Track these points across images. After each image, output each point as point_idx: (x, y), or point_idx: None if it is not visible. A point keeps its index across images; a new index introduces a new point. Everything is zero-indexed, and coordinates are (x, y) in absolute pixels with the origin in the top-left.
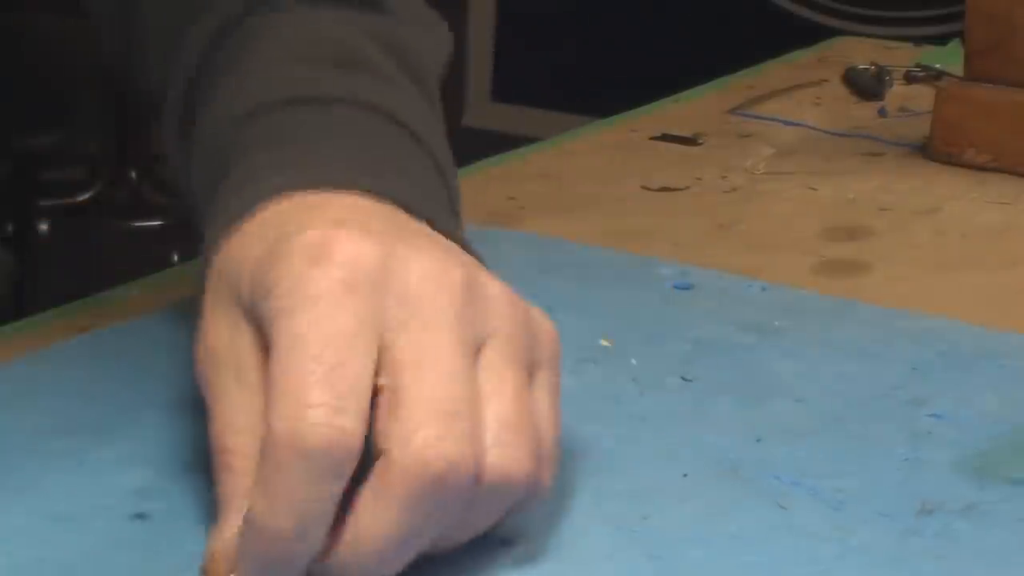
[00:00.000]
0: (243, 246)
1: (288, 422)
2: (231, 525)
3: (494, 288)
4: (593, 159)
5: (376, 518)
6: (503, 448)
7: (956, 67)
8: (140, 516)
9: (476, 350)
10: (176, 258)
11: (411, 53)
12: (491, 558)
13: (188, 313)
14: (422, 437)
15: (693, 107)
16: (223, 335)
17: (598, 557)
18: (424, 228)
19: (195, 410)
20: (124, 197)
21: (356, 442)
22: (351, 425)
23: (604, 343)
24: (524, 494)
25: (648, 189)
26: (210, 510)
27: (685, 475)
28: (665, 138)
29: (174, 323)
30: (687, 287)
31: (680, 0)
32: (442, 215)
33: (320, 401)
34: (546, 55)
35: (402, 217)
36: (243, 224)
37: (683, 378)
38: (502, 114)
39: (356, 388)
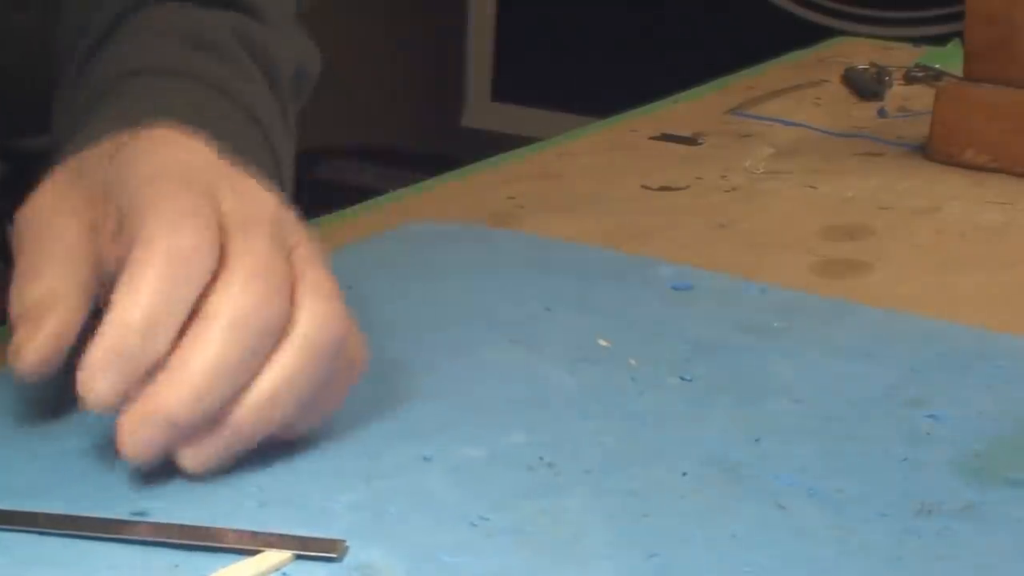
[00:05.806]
0: (102, 149)
1: (163, 230)
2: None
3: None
4: (593, 159)
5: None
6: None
7: (956, 67)
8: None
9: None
10: None
11: (266, 51)
12: (492, 556)
13: None
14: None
15: (693, 107)
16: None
17: (598, 556)
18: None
19: None
20: None
21: (212, 257)
22: (211, 241)
23: (603, 343)
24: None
25: (648, 189)
26: (206, 506)
27: (684, 474)
28: (665, 138)
29: None
30: (686, 287)
31: (680, 0)
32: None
33: (192, 223)
34: (546, 55)
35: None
36: (104, 141)
37: (682, 378)
38: (502, 114)
39: (212, 225)
